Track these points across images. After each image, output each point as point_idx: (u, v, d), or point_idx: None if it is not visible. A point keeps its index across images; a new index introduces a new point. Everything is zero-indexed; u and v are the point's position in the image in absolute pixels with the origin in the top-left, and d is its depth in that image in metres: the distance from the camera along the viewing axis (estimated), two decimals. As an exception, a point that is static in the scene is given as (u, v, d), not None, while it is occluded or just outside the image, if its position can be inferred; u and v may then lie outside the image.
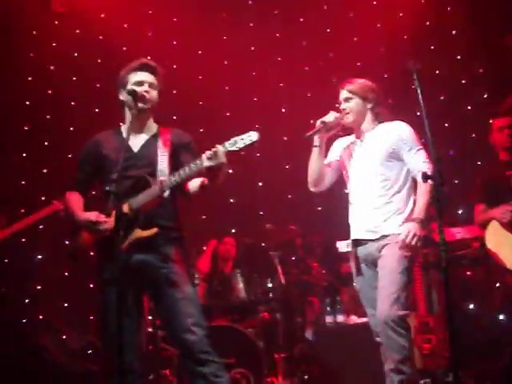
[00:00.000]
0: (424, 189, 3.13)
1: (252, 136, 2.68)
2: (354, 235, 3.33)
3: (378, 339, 3.15)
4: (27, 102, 6.20)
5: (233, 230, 6.15)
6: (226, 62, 6.75)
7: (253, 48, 6.82)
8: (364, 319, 4.75)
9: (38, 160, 6.11)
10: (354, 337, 4.37)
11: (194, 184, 2.92)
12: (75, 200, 3.04)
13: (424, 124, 2.75)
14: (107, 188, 2.65)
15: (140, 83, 2.98)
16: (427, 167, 3.13)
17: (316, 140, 3.38)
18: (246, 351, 4.52)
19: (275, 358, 4.77)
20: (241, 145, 2.68)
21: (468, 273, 5.14)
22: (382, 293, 3.07)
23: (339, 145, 3.55)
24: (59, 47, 6.38)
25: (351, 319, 4.79)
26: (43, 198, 5.63)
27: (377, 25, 6.65)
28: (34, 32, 6.30)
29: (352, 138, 3.49)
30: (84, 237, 2.94)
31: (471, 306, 5.12)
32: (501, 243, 3.90)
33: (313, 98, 6.44)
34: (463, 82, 6.35)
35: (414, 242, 3.04)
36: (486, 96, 6.17)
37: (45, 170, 6.11)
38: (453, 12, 6.48)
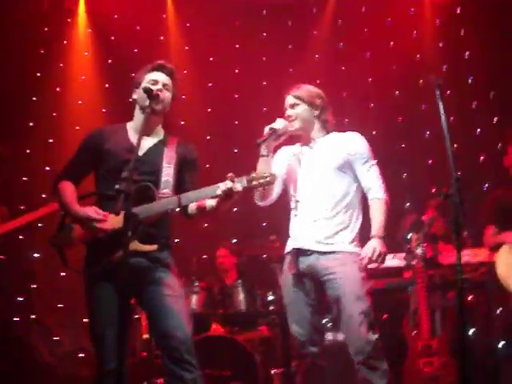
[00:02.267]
0: (380, 206, 3.07)
1: (270, 178, 2.67)
2: (297, 244, 3.13)
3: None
4: (34, 98, 6.14)
5: (234, 240, 6.06)
6: (236, 71, 6.73)
7: (264, 58, 6.80)
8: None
9: (41, 157, 6.04)
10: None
11: (195, 206, 2.89)
12: (70, 191, 2.90)
13: (446, 140, 2.66)
14: (117, 186, 2.54)
15: (155, 82, 2.92)
16: (380, 184, 3.10)
17: (263, 149, 3.11)
18: (243, 364, 4.42)
19: (271, 373, 4.67)
20: (257, 185, 2.68)
21: (469, 297, 5.06)
22: (353, 322, 2.98)
23: (284, 155, 3.31)
24: (70, 45, 6.35)
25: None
26: (44, 196, 5.55)
27: (390, 43, 6.67)
28: (46, 28, 6.27)
29: (297, 147, 3.30)
30: (76, 232, 2.82)
31: (471, 332, 5.03)
32: (512, 268, 3.84)
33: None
34: (474, 105, 6.33)
35: (380, 260, 3.00)
36: (496, 120, 6.15)
37: (47, 168, 6.03)
38: (466, 35, 6.50)
